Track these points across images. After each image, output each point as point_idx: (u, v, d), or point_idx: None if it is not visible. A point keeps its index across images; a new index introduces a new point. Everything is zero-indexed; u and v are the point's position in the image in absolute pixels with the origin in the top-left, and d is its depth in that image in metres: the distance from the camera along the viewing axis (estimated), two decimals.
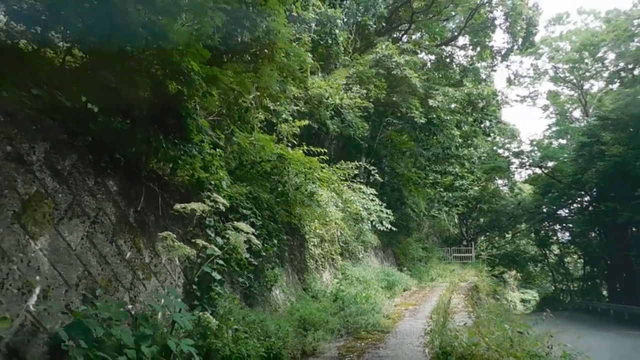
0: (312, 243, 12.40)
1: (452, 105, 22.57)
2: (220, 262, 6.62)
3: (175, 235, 5.32)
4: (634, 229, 29.25)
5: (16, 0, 4.97)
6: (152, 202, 6.14)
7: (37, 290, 3.87)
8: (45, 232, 4.16)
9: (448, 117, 22.09)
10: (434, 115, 21.29)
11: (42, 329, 3.78)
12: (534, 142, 41.71)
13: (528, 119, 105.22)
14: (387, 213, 17.73)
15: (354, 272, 15.07)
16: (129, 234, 5.55)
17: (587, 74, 35.56)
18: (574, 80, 37.62)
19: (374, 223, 16.99)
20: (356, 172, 17.99)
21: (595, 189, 29.95)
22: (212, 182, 6.81)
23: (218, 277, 6.55)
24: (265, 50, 9.76)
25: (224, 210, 5.71)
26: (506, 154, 41.62)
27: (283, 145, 10.30)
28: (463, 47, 29.54)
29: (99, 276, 4.76)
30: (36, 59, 5.55)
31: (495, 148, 40.18)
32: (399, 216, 27.94)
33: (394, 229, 17.86)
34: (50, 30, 5.65)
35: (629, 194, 23.07)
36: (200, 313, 5.03)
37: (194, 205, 5.01)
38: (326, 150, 14.04)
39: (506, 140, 50.47)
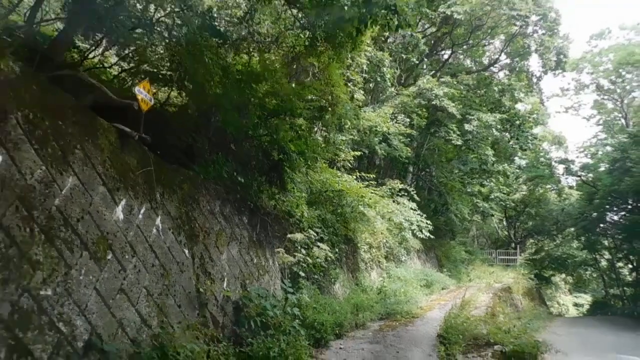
0: (362, 249, 16.05)
1: (492, 121, 25.23)
2: (303, 264, 10.44)
3: (283, 250, 9.15)
4: None
5: None
6: (263, 227, 10.01)
7: (225, 280, 7.78)
8: (224, 249, 8.07)
9: (484, 136, 25.02)
10: (470, 137, 24.39)
11: (229, 298, 7.68)
12: (580, 150, 43.23)
13: (577, 126, 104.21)
14: (426, 223, 21.07)
15: (396, 272, 18.56)
16: (254, 248, 9.43)
17: (629, 87, 37.02)
18: (617, 92, 39.01)
19: (414, 231, 20.40)
20: (400, 187, 21.54)
21: (631, 201, 31.70)
22: (299, 214, 10.65)
23: (302, 274, 10.39)
24: (329, 108, 13.59)
25: (313, 237, 9.48)
26: (551, 162, 43.18)
27: (343, 181, 13.95)
28: (503, 67, 32.22)
29: (245, 273, 8.65)
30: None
31: (539, 157, 41.90)
32: (443, 221, 31.02)
33: (431, 236, 21.13)
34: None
35: None
36: (300, 295, 8.86)
37: (298, 235, 8.83)
38: (374, 175, 17.72)
39: (552, 148, 51.85)
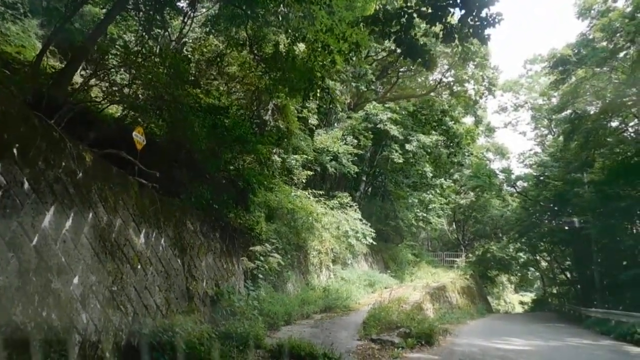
0: (312, 255, 19.23)
1: (428, 142, 28.96)
2: (262, 269, 13.53)
3: (246, 258, 12.19)
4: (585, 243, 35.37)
5: None
6: (231, 240, 13.03)
7: (205, 280, 10.77)
8: (203, 258, 11.05)
9: (423, 154, 28.71)
10: (411, 155, 28.03)
11: (208, 294, 10.66)
12: (520, 161, 47.93)
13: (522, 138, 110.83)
14: (370, 230, 24.52)
15: (342, 274, 21.86)
16: (224, 256, 12.44)
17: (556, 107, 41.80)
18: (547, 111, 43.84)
19: (358, 238, 23.77)
20: (347, 200, 24.90)
21: (551, 211, 36.19)
22: (259, 229, 13.74)
23: (261, 276, 13.48)
24: (285, 140, 16.67)
25: (268, 247, 12.58)
26: (490, 172, 47.55)
27: (296, 200, 17.10)
28: (445, 89, 36.14)
29: (218, 275, 11.65)
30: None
31: (480, 168, 46.09)
32: (393, 225, 34.52)
33: (374, 243, 24.57)
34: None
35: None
36: (259, 292, 11.95)
37: (258, 247, 11.89)
38: (323, 192, 20.98)
39: (497, 158, 56.68)
